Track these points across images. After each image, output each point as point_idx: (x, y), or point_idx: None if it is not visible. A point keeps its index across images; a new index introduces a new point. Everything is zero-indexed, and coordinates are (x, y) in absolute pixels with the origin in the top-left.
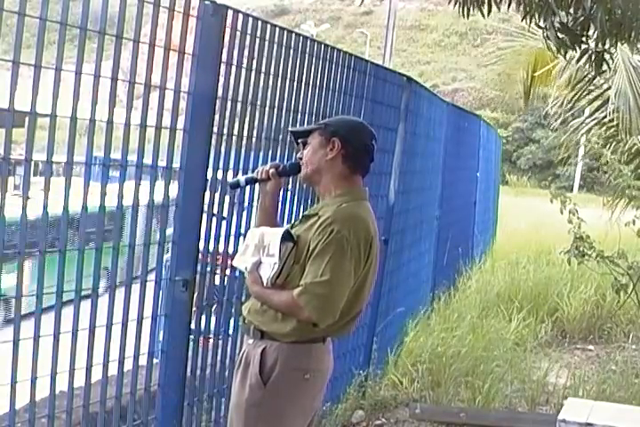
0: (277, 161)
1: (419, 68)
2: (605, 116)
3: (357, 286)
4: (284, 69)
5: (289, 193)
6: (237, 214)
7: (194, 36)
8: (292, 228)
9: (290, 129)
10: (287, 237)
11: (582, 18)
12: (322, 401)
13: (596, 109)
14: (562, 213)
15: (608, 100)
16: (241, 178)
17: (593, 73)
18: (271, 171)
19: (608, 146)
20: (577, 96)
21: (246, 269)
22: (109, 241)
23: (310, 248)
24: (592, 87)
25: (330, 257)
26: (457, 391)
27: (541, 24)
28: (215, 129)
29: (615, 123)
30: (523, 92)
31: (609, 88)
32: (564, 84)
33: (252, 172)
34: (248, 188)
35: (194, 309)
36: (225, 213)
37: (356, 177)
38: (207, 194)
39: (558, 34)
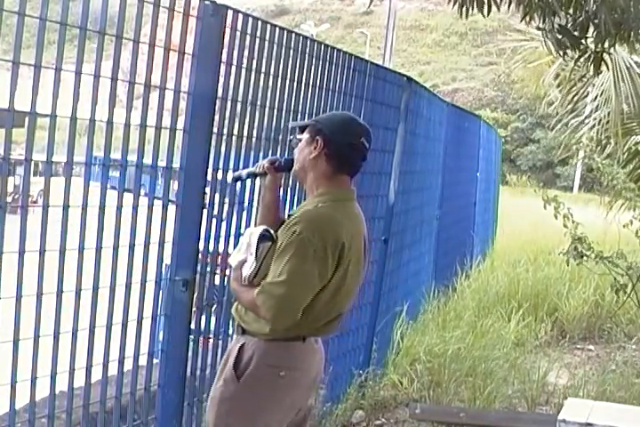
0: (277, 156)
1: (419, 68)
2: (604, 117)
3: (333, 289)
4: (283, 69)
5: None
6: (237, 214)
7: (194, 37)
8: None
9: (290, 124)
10: (266, 235)
11: (582, 18)
12: (309, 400)
13: (595, 109)
14: (556, 217)
15: (605, 100)
16: (242, 172)
17: (592, 73)
18: (267, 165)
19: (603, 148)
20: (575, 96)
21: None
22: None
23: (277, 247)
24: (591, 87)
25: (289, 258)
26: (457, 391)
27: (541, 25)
28: (215, 129)
29: (607, 126)
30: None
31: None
32: (561, 84)
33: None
34: (248, 186)
35: (194, 309)
36: (225, 213)
37: (340, 177)
38: (207, 194)
39: (558, 35)
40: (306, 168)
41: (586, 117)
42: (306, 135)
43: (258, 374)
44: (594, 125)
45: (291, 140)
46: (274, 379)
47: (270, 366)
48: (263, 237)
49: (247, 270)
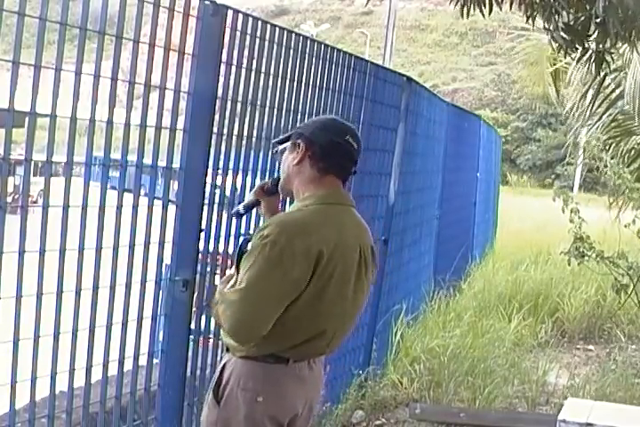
0: (264, 180)
1: (419, 68)
2: (611, 115)
3: (307, 302)
4: (284, 69)
5: None
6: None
7: (194, 36)
8: None
9: (273, 141)
10: (245, 246)
11: (583, 18)
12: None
13: (607, 109)
14: (563, 211)
15: (616, 98)
16: (239, 207)
17: (593, 73)
18: (258, 191)
19: (608, 147)
20: (592, 97)
21: None
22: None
23: None
24: (606, 83)
25: (252, 263)
26: (457, 391)
27: (545, 25)
28: (215, 129)
29: (621, 122)
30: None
31: (616, 87)
32: (574, 85)
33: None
34: (248, 186)
35: (194, 309)
36: (225, 213)
37: (327, 179)
38: (207, 193)
39: (563, 35)
40: (291, 176)
41: (591, 117)
42: (288, 143)
43: (233, 397)
44: (599, 125)
45: (274, 154)
46: (251, 405)
47: (245, 390)
48: (242, 248)
49: (231, 284)
